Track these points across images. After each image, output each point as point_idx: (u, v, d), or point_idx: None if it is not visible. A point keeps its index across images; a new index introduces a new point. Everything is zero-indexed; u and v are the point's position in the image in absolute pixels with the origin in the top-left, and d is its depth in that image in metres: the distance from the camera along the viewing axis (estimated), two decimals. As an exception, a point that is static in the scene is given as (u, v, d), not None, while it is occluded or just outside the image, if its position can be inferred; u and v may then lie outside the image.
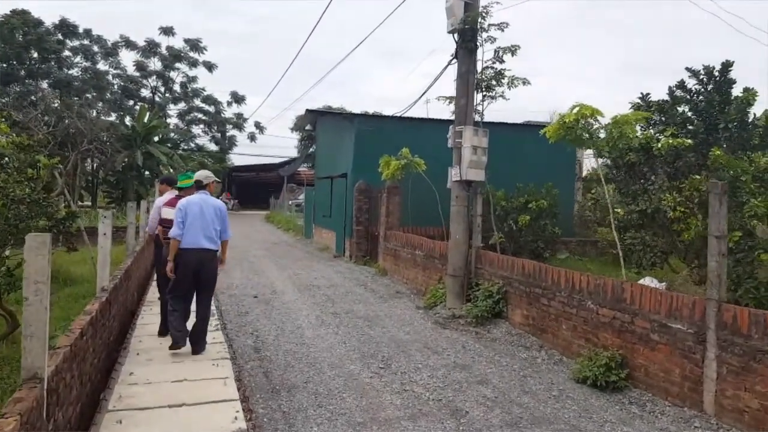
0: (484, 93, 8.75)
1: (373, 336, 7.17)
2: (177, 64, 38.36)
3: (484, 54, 8.72)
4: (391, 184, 12.58)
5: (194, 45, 38.11)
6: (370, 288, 10.77)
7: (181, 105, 40.15)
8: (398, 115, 12.71)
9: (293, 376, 5.57)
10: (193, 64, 38.48)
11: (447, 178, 8.88)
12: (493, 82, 8.62)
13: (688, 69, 12.14)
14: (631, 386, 5.44)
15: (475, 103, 8.55)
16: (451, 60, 8.67)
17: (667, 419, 4.75)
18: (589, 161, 15.97)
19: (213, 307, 8.29)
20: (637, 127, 6.93)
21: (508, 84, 8.69)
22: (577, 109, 6.84)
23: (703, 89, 12.07)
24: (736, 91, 11.40)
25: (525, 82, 8.82)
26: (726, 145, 10.42)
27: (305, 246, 18.75)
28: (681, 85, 12.42)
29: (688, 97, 12.36)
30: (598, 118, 6.84)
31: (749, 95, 10.64)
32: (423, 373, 5.77)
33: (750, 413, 4.30)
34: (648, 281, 8.35)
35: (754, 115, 10.73)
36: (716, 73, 11.65)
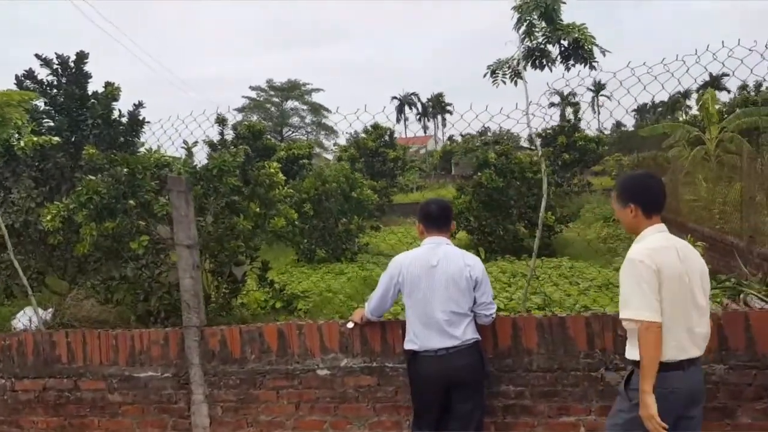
0: None
1: None
2: None
3: None
4: None
5: None
6: None
7: None
8: None
9: None
10: None
11: None
12: None
13: (38, 56, 10.42)
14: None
15: None
16: None
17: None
18: None
19: None
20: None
21: None
22: None
23: (58, 81, 10.71)
24: (96, 86, 10.68)
25: None
26: (96, 143, 9.56)
27: None
28: (30, 74, 10.59)
29: (41, 88, 10.71)
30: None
31: (112, 90, 10.10)
32: None
33: (257, 448, 3.65)
34: (29, 312, 6.65)
35: (120, 111, 10.32)
36: (72, 65, 10.53)
